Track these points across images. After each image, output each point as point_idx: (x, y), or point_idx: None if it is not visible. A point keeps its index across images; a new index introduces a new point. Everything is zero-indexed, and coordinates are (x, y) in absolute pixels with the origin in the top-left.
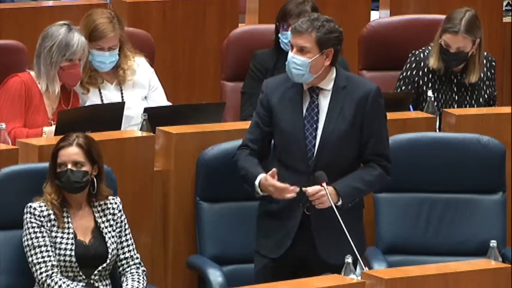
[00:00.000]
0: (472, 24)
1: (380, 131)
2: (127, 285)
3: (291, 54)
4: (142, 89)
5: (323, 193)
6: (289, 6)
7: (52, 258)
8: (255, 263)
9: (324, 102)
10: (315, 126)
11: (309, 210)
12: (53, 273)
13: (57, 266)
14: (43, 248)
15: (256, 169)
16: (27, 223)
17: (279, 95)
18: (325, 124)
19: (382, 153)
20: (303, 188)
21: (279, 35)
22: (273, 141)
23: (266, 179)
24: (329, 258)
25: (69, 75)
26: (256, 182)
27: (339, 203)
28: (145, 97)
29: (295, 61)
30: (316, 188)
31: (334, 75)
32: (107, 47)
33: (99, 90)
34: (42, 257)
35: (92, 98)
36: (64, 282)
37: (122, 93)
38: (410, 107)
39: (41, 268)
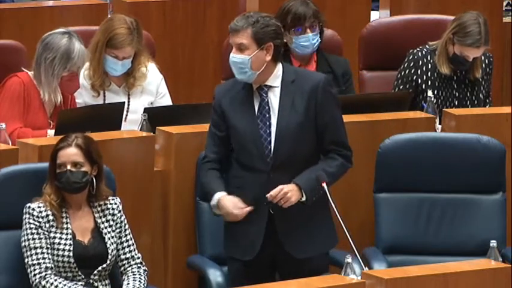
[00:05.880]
0: (488, 33)
1: (334, 120)
2: (128, 284)
3: (231, 55)
4: (149, 96)
5: (284, 191)
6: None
7: (47, 261)
8: (228, 267)
9: (274, 99)
10: (268, 123)
11: (273, 210)
12: (46, 274)
13: (51, 268)
14: (38, 250)
15: (215, 185)
16: (25, 224)
17: (229, 98)
18: (278, 120)
19: (340, 142)
20: (267, 195)
21: (296, 40)
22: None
23: (224, 200)
24: (298, 253)
25: (68, 86)
26: (213, 203)
27: (303, 198)
28: (152, 103)
29: (236, 60)
30: (276, 190)
31: (280, 71)
32: (121, 56)
33: (104, 93)
34: (37, 259)
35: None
36: (60, 283)
37: (129, 98)
38: (424, 104)
39: (35, 270)
